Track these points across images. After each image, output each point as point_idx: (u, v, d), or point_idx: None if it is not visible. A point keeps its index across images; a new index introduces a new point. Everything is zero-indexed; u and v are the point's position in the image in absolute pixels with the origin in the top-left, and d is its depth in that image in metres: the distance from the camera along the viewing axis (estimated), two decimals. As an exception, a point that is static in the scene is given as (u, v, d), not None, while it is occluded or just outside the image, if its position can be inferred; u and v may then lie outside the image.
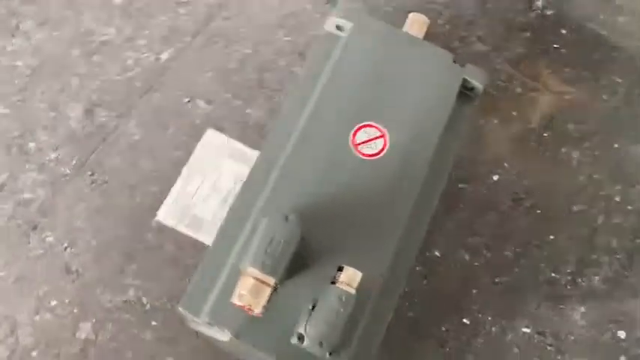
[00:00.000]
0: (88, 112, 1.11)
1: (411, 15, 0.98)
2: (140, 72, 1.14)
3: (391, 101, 0.88)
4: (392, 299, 0.85)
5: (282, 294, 0.78)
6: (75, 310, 1.01)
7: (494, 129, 1.19)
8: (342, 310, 0.70)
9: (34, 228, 1.04)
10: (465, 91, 0.93)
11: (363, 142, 0.86)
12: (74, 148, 1.09)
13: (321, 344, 0.69)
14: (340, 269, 0.73)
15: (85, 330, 1.00)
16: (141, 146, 1.10)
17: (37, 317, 1.00)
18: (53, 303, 1.01)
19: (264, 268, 0.69)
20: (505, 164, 1.18)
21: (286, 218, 0.71)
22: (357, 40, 0.91)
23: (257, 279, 0.69)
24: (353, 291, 0.71)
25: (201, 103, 1.14)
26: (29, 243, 1.03)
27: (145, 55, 1.15)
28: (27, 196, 1.06)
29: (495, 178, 1.17)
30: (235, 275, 0.75)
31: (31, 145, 1.08)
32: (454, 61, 0.92)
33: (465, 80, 0.91)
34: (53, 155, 1.08)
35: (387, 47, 0.91)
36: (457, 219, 1.13)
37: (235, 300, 0.69)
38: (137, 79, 1.14)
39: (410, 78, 0.90)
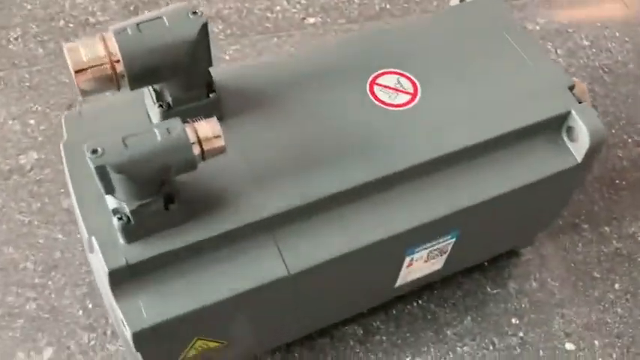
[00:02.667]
0: (210, 19, 1.07)
1: (576, 80, 0.73)
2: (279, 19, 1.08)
3: (454, 75, 0.64)
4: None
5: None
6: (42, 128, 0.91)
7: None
8: (156, 140, 0.46)
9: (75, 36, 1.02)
10: (565, 137, 0.64)
11: (384, 85, 0.63)
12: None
13: (96, 151, 0.46)
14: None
15: (29, 158, 0.88)
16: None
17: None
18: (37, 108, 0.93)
19: (120, 39, 0.49)
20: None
21: (194, 14, 0.51)
22: (470, 9, 0.71)
23: (107, 48, 0.50)
24: (190, 139, 0.47)
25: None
26: (67, 40, 1.00)
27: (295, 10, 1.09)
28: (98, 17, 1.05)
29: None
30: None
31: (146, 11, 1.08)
32: (571, 91, 0.64)
33: (570, 117, 0.63)
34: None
35: (494, 29, 0.68)
36: (446, 323, 0.76)
37: (65, 45, 0.50)
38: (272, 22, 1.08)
39: (496, 70, 0.65)
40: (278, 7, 1.09)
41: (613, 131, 0.97)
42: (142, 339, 0.53)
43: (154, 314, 0.52)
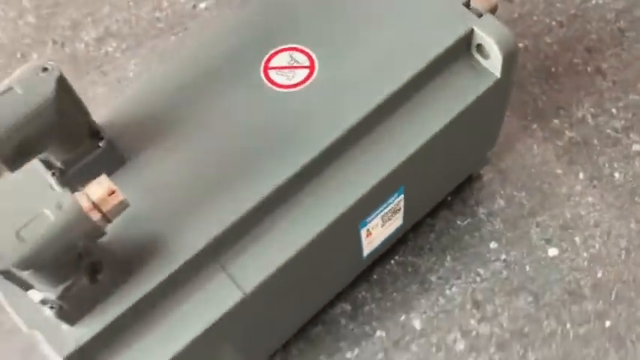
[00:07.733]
0: (100, 40, 1.01)
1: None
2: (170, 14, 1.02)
3: (348, 32, 0.61)
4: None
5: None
6: None
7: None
8: (50, 221, 0.43)
9: None
10: (478, 56, 0.61)
11: (278, 67, 0.59)
12: (69, 68, 0.99)
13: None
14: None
15: None
16: (127, 85, 0.96)
17: None
18: None
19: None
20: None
21: (45, 70, 0.47)
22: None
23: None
24: (84, 207, 0.44)
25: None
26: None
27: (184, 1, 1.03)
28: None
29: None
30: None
31: (34, 55, 1.01)
32: (467, 6, 0.61)
33: (474, 35, 0.60)
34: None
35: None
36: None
37: None
38: (163, 21, 1.02)
39: (390, 13, 0.61)
40: (165, 4, 1.03)
41: (535, 18, 0.94)
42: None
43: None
